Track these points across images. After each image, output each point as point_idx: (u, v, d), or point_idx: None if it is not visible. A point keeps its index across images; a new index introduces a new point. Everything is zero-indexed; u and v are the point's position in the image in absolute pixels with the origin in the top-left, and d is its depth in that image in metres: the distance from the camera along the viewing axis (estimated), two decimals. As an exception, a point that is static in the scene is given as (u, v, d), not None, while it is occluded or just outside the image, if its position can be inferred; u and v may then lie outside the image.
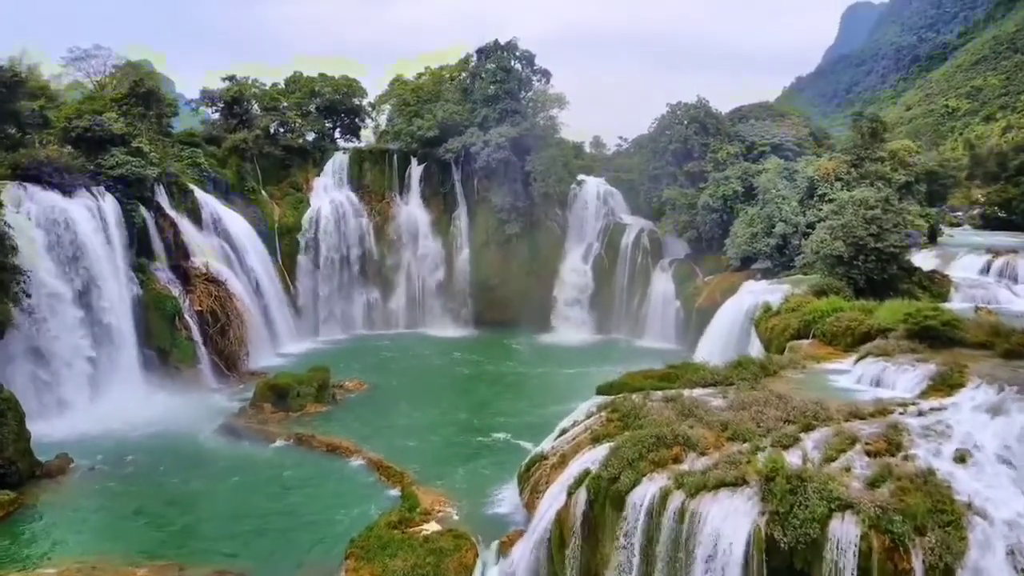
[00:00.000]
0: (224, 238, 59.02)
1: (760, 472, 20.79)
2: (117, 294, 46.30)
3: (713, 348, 50.39)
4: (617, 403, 29.32)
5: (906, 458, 21.39)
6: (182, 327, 49.90)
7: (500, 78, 70.87)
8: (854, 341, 36.53)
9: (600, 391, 33.97)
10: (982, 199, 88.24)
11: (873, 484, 19.97)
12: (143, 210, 50.74)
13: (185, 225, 55.37)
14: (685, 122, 67.44)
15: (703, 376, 32.30)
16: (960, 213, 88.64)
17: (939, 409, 25.35)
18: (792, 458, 21.84)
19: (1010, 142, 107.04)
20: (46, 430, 38.99)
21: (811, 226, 54.41)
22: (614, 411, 28.80)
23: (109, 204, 47.44)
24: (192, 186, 58.52)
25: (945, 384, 27.53)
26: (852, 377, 31.47)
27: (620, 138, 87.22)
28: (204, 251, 55.89)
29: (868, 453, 21.99)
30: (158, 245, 52.42)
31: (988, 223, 78.01)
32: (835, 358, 35.55)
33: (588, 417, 29.96)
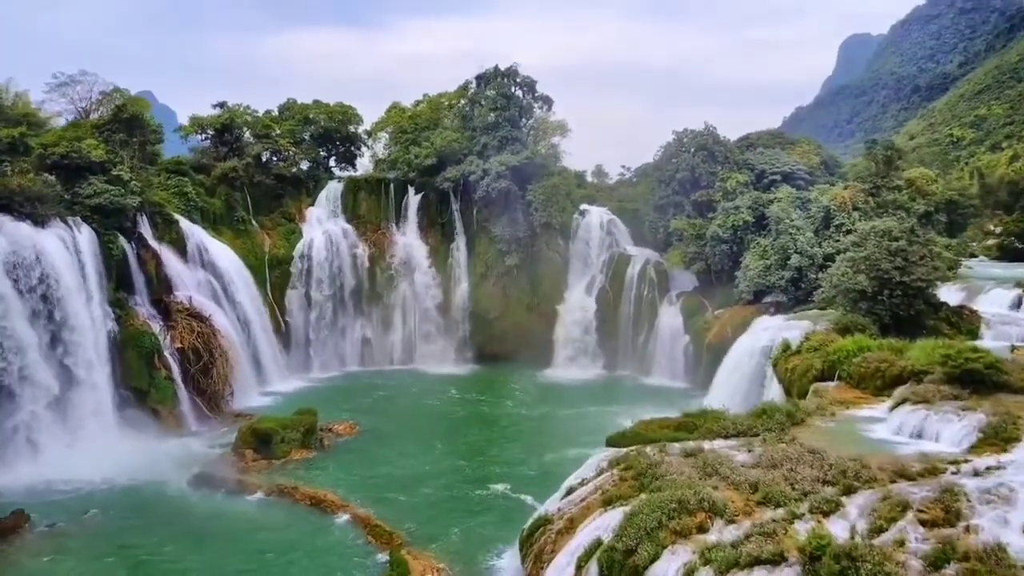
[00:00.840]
0: (210, 271, 56.26)
1: (802, 548, 17.88)
2: (91, 330, 43.38)
3: (727, 389, 47.39)
4: (631, 458, 26.29)
5: (968, 529, 18.48)
6: (161, 366, 46.90)
7: (500, 105, 68.69)
8: (885, 384, 33.67)
9: (610, 442, 30.91)
10: (996, 229, 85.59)
11: (935, 564, 17.09)
12: (122, 241, 48.05)
13: (168, 257, 52.63)
14: (692, 150, 65.07)
15: (724, 426, 29.33)
16: (974, 243, 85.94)
17: (997, 468, 22.34)
18: (835, 528, 19.06)
19: (1019, 171, 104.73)
20: (8, 479, 36.22)
21: (828, 258, 51.63)
22: (627, 467, 25.76)
23: (85, 235, 44.72)
24: (178, 216, 55.89)
25: (999, 437, 24.61)
26: (889, 427, 28.50)
27: (623, 167, 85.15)
28: (188, 284, 53.11)
29: (923, 522, 19.07)
30: (138, 278, 49.64)
31: (1005, 254, 75.16)
32: (866, 403, 32.62)
33: (598, 474, 26.90)
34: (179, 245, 54.65)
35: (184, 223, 56.19)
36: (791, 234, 53.03)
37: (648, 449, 27.29)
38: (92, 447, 40.23)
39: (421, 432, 46.84)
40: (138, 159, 52.03)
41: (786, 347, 41.21)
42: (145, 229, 51.91)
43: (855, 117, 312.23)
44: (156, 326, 48.43)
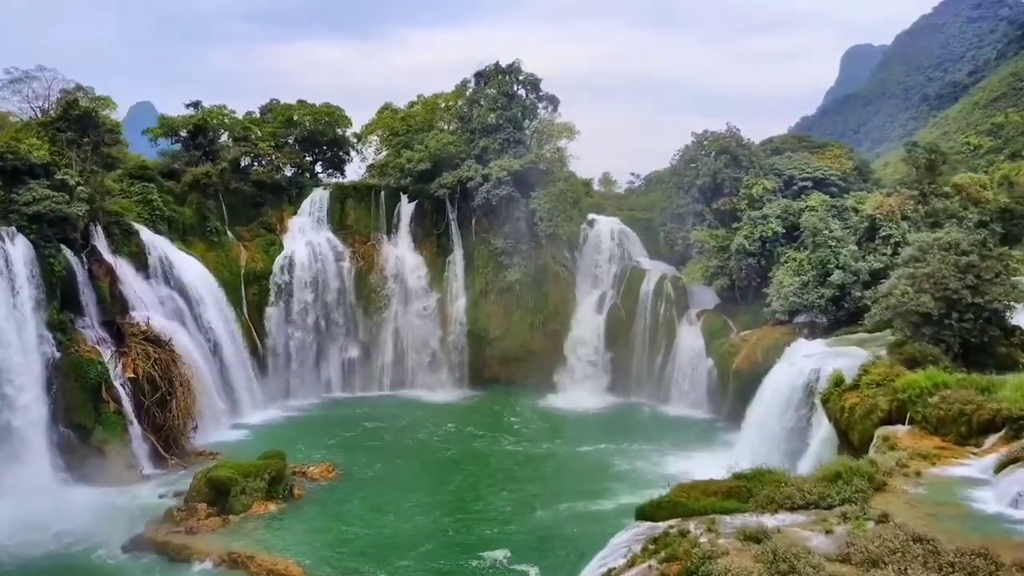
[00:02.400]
0: (175, 287, 50.10)
1: None
2: (22, 358, 37.14)
3: (763, 428, 41.08)
4: (672, 542, 19.79)
5: None
6: (110, 398, 40.58)
7: (501, 104, 62.64)
8: (971, 431, 27.27)
9: (643, 515, 24.49)
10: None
11: None
12: (68, 255, 41.89)
13: (126, 272, 46.49)
14: (713, 153, 58.93)
15: (787, 493, 22.92)
16: (1013, 256, 79.55)
17: None
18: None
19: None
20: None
21: (875, 274, 45.42)
22: (669, 558, 19.41)
23: (19, 248, 38.59)
24: (139, 226, 49.81)
25: None
26: (1000, 495, 22.02)
27: (632, 174, 79.06)
28: (148, 303, 46.92)
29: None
30: (88, 297, 43.46)
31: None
32: (954, 458, 26.14)
33: (630, 564, 20.63)
34: (139, 259, 48.54)
35: (146, 234, 50.10)
36: (831, 247, 46.83)
37: (692, 526, 20.86)
38: (18, 500, 33.85)
39: (408, 476, 40.50)
40: (91, 162, 45.89)
41: (839, 381, 34.85)
42: (99, 241, 45.79)
43: (861, 126, 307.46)
44: (106, 352, 42.18)
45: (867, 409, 31.67)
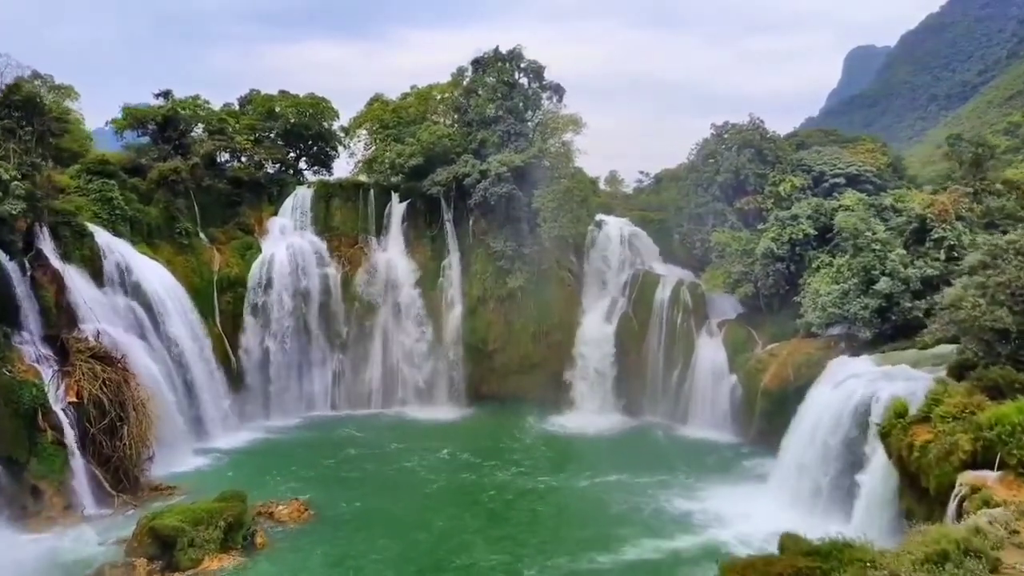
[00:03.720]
0: (135, 296, 44.59)
1: None
2: (-62, 383, 31.60)
3: (803, 461, 35.52)
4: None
5: None
6: (48, 426, 34.97)
7: (502, 94, 57.11)
8: (1086, 480, 21.92)
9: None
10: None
11: None
12: (2, 259, 36.37)
13: (75, 280, 40.97)
14: (735, 147, 53.43)
15: (879, 578, 17.69)
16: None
17: None
18: None
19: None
20: None
21: (926, 281, 39.97)
22: None
23: (-63, 252, 33.06)
24: (94, 227, 44.34)
25: None
26: None
27: (641, 172, 73.44)
28: (101, 314, 41.47)
29: None
30: (29, 308, 37.97)
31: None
32: (1074, 519, 20.79)
33: None
34: (93, 264, 43.04)
35: (102, 236, 44.62)
36: (875, 251, 41.29)
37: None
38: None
39: (386, 518, 34.88)
40: (35, 154, 40.36)
41: (902, 411, 29.36)
42: (45, 244, 40.28)
43: (868, 127, 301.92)
44: (47, 372, 36.66)
45: (945, 450, 26.10)
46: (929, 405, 28.56)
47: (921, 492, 28.05)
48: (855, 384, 34.86)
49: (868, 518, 31.01)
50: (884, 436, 29.84)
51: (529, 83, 59.11)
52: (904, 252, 41.03)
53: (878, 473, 30.92)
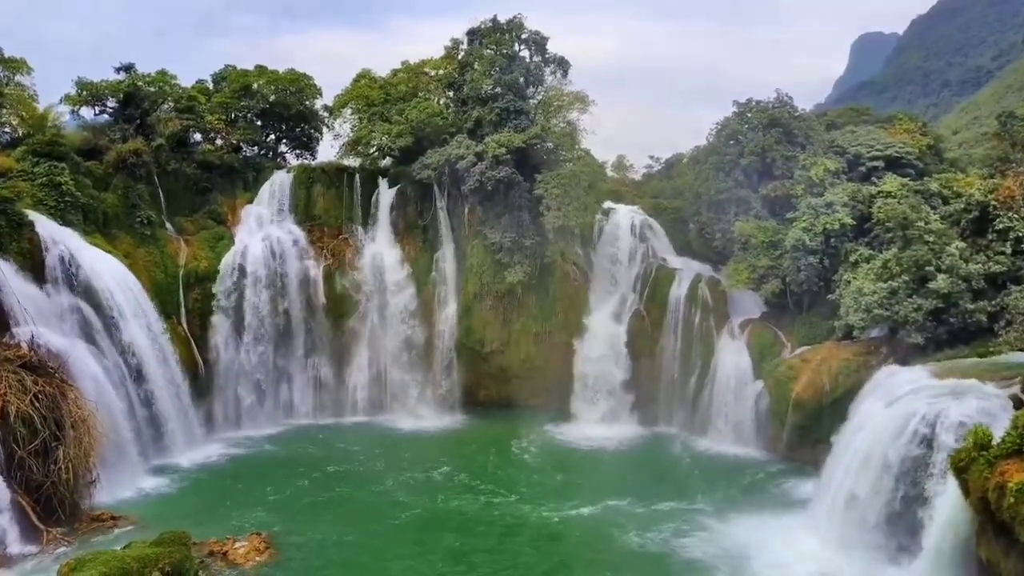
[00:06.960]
0: (84, 294, 39.29)
1: None
2: None
3: (852, 491, 30.15)
4: None
5: None
6: (-36, 450, 29.89)
7: (500, 67, 51.52)
8: None
9: None
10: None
11: None
12: (-87, 254, 31.17)
13: (11, 277, 35.69)
14: (760, 127, 47.93)
15: None
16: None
17: None
18: None
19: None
20: None
21: (991, 279, 34.59)
22: None
23: None
24: (36, 216, 39.05)
25: None
26: None
27: (651, 157, 67.76)
28: (41, 316, 36.23)
29: None
30: (-51, 309, 32.76)
31: None
32: None
33: None
34: (33, 258, 37.75)
35: (46, 226, 39.28)
36: (928, 243, 35.87)
37: None
38: None
39: (354, 558, 29.66)
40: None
41: (984, 441, 24.04)
42: (-27, 235, 35.12)
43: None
44: (-33, 385, 31.45)
45: (1051, 496, 20.88)
46: (1022, 434, 23.24)
47: (1009, 542, 22.84)
48: (914, 401, 29.47)
49: (937, 565, 25.88)
50: (959, 471, 24.49)
51: (531, 56, 53.48)
52: (963, 245, 35.63)
53: (948, 513, 25.64)
